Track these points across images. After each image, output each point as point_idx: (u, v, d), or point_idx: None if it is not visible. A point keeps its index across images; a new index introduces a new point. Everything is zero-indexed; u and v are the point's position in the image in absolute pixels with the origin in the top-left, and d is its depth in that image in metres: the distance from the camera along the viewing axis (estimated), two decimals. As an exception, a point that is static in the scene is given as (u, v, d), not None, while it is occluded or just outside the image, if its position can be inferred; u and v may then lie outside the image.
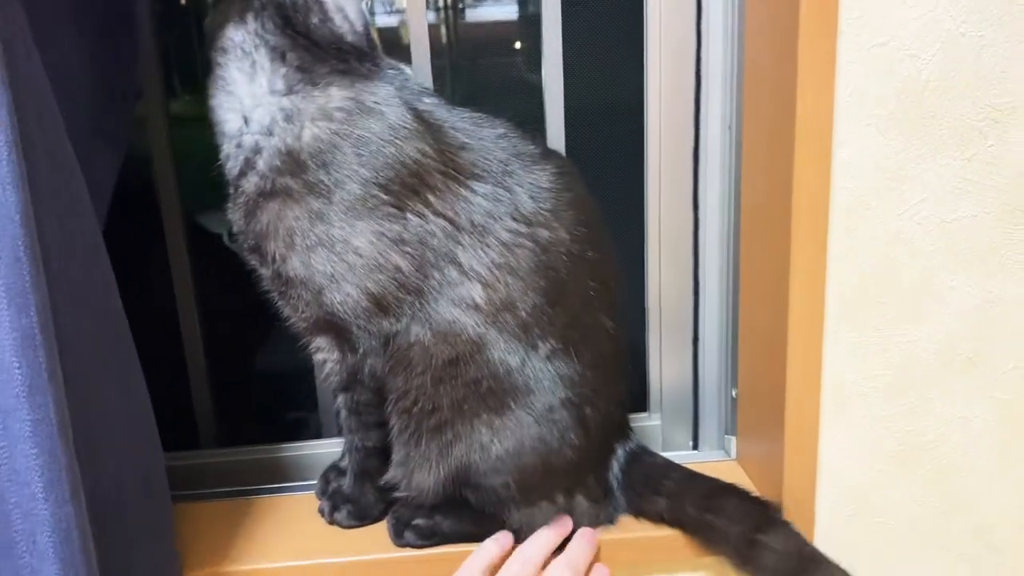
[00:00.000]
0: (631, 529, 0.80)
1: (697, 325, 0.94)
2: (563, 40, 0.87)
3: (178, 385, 0.94)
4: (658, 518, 0.80)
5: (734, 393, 0.90)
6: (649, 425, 0.96)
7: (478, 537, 0.79)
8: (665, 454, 0.86)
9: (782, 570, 0.73)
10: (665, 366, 0.96)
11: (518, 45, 0.96)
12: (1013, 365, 0.79)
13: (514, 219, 0.73)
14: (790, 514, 0.79)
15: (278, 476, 0.93)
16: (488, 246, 0.72)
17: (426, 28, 0.86)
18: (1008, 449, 0.82)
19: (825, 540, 0.83)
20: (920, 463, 0.81)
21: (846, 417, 0.80)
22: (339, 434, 0.88)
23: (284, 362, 0.98)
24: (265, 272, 0.74)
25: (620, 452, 0.82)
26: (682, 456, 0.90)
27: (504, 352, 0.72)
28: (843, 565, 0.74)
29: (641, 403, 0.97)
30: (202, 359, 0.93)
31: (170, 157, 0.88)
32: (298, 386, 0.96)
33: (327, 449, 0.93)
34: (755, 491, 0.80)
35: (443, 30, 0.93)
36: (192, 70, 0.89)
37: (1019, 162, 0.74)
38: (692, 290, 0.93)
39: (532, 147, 0.75)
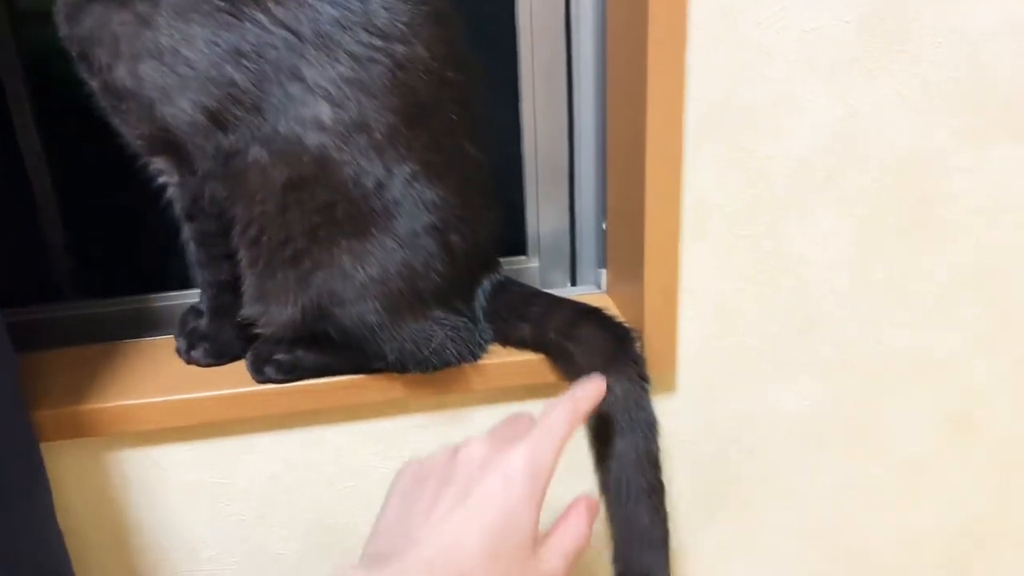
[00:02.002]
0: (497, 355, 0.80)
1: (573, 164, 0.92)
2: None
3: (31, 234, 0.89)
4: (522, 344, 0.80)
5: (604, 226, 0.89)
6: (528, 268, 0.95)
7: (341, 370, 0.78)
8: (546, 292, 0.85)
9: (612, 425, 0.74)
10: (542, 208, 0.94)
11: None
12: (871, 180, 0.80)
13: (367, 31, 0.68)
14: (652, 339, 0.80)
15: (143, 327, 0.89)
16: (337, 60, 0.67)
17: None
18: (864, 266, 0.83)
19: (687, 362, 0.84)
20: (780, 282, 0.82)
21: (707, 238, 0.80)
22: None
23: (148, 211, 0.93)
24: (94, 84, 0.69)
25: (487, 283, 0.81)
26: (556, 292, 0.89)
27: (357, 175, 0.69)
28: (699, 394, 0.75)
29: (520, 247, 0.96)
30: (56, 211, 0.88)
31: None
32: (163, 235, 0.92)
33: (193, 299, 0.90)
34: (619, 317, 0.80)
35: None
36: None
37: (878, -34, 0.73)
38: (567, 130, 0.91)
39: None
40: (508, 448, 0.55)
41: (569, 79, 0.89)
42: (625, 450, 0.75)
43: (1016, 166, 0.82)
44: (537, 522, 0.54)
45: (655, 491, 0.75)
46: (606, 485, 0.75)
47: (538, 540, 0.55)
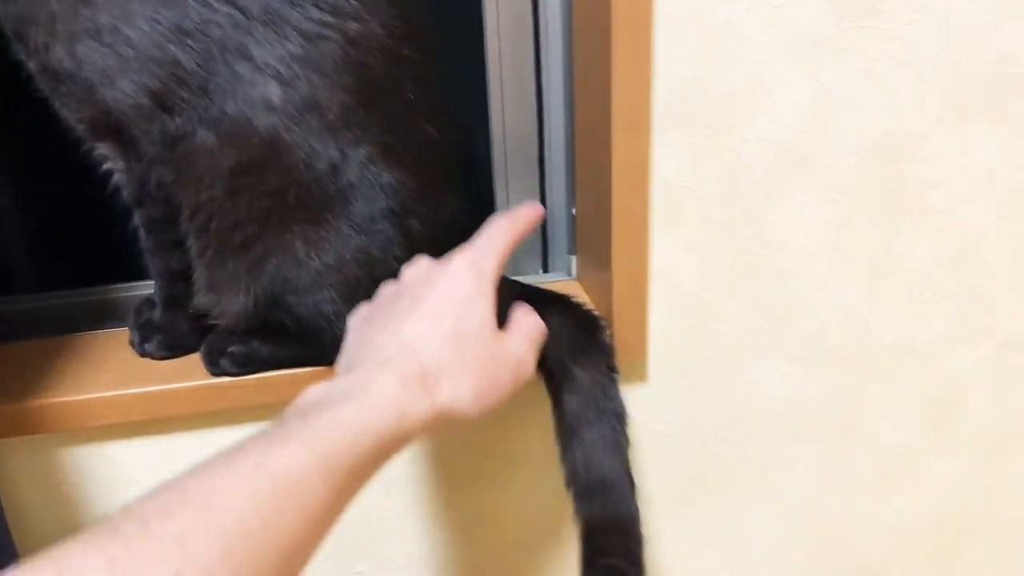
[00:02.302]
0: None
1: (543, 148, 0.90)
2: None
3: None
4: (488, 333, 0.77)
5: (573, 211, 0.86)
6: (498, 254, 0.93)
7: (299, 362, 0.75)
8: (514, 279, 0.83)
9: (578, 416, 0.72)
10: (512, 193, 0.92)
11: None
12: (849, 163, 0.77)
13: (317, 7, 0.65)
14: (621, 327, 0.78)
15: (97, 319, 0.86)
16: (286, 38, 0.64)
17: None
18: (844, 251, 0.81)
19: (659, 351, 0.82)
20: (756, 268, 0.80)
21: (680, 225, 0.77)
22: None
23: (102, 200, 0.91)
24: (32, 65, 0.66)
25: (451, 272, 0.78)
26: (528, 280, 0.87)
27: (310, 157, 0.66)
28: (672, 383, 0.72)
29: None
30: (10, 201, 0.86)
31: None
32: (118, 225, 0.90)
33: (148, 291, 0.86)
34: (588, 305, 0.78)
35: None
36: None
37: (850, -62, 0.70)
38: (536, 114, 0.88)
39: None
40: (449, 258, 0.59)
41: (537, 62, 0.86)
42: (593, 441, 0.72)
43: (995, 147, 0.79)
44: (492, 314, 0.57)
45: (624, 482, 0.73)
46: (573, 476, 0.73)
47: (497, 331, 0.57)
